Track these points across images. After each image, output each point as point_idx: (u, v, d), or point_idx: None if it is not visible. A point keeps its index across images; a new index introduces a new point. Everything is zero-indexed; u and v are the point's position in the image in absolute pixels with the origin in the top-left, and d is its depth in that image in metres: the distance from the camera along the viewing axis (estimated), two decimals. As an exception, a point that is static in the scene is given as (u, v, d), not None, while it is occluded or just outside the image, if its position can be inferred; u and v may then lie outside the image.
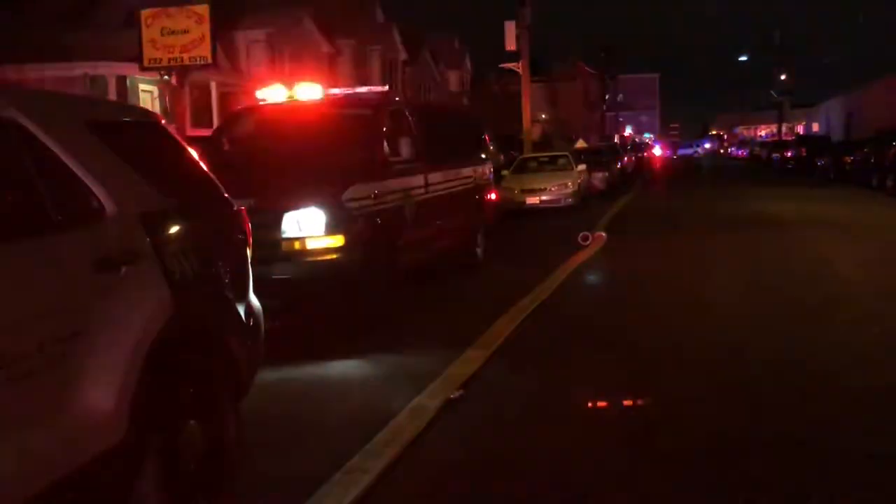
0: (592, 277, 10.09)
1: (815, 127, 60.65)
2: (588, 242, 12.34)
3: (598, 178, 24.87)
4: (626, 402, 5.04)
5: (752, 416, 4.72)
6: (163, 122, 4.29)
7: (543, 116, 52.11)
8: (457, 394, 5.17)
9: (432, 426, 4.63)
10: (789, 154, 40.74)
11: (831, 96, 55.73)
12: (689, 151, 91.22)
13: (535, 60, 27.71)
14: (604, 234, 13.33)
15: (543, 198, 19.16)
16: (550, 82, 61.14)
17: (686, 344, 6.53)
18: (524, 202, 19.00)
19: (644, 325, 7.24)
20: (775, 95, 61.67)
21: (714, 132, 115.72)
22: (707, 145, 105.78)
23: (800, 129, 67.43)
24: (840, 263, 10.20)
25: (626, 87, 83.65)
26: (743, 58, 64.70)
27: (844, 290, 8.55)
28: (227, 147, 8.50)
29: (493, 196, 11.96)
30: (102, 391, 2.89)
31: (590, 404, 5.07)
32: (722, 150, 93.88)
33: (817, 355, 6.01)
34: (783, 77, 61.04)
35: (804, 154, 36.01)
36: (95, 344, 2.89)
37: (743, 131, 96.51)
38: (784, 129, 63.56)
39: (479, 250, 10.86)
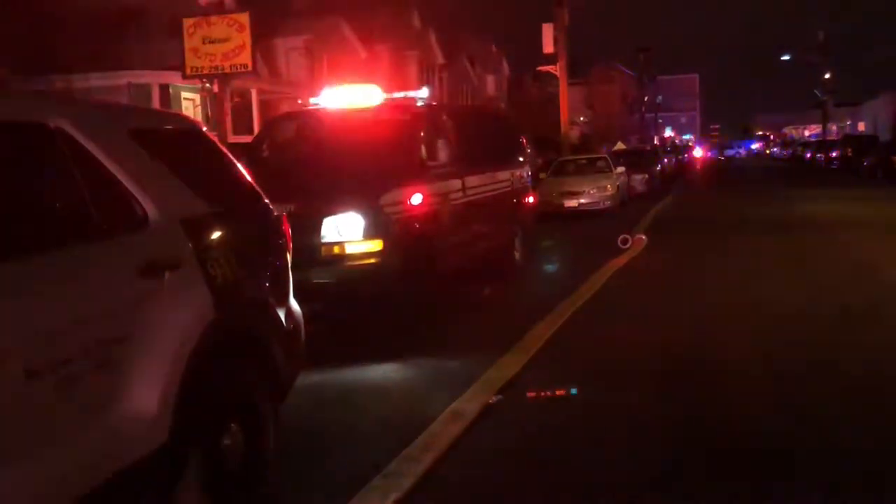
0: (632, 282, 9.96)
1: (861, 126, 59.22)
2: (628, 246, 12.21)
3: (638, 180, 24.63)
4: (668, 408, 4.97)
5: (795, 429, 4.63)
6: (203, 129, 4.36)
7: (582, 119, 51.80)
8: (495, 399, 5.16)
9: (470, 431, 4.62)
10: (834, 154, 39.91)
11: (877, 95, 54.42)
12: (731, 152, 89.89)
13: (572, 62, 27.52)
14: (644, 238, 13.18)
15: (582, 201, 19.01)
16: (588, 84, 60.72)
17: (728, 356, 6.43)
18: (562, 205, 18.88)
19: (684, 332, 7.12)
20: (819, 95, 60.40)
21: (760, 132, 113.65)
22: (754, 146, 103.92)
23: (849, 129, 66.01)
24: (891, 268, 9.94)
25: (665, 89, 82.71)
26: (785, 56, 63.51)
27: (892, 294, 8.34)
28: (267, 153, 8.61)
29: (530, 199, 11.91)
30: (146, 394, 2.94)
31: (629, 409, 5.00)
32: (768, 151, 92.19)
33: (864, 362, 5.87)
34: (827, 76, 59.78)
35: (850, 154, 35.22)
36: (139, 348, 2.94)
37: (791, 131, 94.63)
38: (834, 128, 62.21)
39: (517, 254, 10.81)
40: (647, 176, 25.81)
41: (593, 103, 60.20)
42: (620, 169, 21.27)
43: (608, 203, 19.10)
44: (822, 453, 4.12)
